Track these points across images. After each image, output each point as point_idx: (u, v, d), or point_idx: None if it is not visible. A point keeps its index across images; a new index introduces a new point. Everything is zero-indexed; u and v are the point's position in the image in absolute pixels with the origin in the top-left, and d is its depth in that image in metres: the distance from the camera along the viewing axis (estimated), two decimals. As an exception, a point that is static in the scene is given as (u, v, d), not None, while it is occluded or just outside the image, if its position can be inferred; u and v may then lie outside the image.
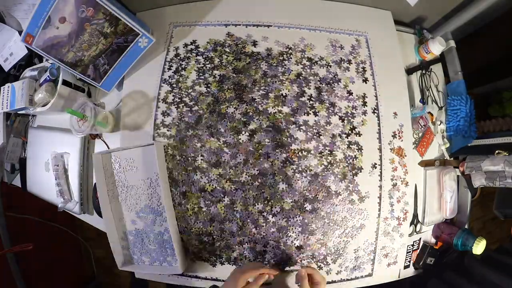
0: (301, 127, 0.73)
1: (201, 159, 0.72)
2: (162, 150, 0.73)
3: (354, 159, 0.73)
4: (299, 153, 0.72)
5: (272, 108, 0.73)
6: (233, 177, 0.71)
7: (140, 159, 0.74)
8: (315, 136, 0.73)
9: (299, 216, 0.71)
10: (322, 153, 0.72)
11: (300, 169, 0.71)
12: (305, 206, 0.71)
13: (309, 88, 0.75)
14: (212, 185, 0.72)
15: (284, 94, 0.74)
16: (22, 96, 0.81)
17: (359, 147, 0.74)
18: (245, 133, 0.72)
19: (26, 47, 0.90)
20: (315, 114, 0.74)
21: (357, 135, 0.74)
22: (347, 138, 0.74)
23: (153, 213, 0.74)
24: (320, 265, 0.74)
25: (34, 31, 0.68)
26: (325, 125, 0.73)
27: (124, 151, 0.75)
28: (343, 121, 0.74)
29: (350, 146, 0.73)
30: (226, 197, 0.71)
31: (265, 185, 0.71)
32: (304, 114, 0.73)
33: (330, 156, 0.72)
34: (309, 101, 0.74)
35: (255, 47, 0.77)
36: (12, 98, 0.83)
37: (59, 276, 1.63)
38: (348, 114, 0.75)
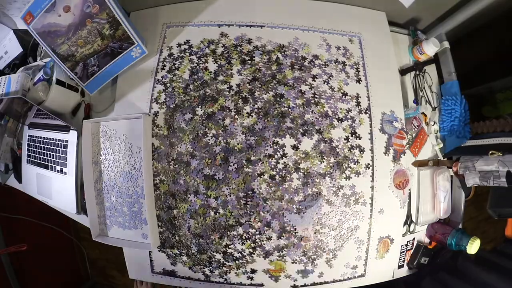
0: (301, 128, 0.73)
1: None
2: (150, 124, 0.74)
3: (356, 163, 0.73)
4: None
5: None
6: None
7: (127, 131, 0.75)
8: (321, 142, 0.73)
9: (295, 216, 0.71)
10: (323, 156, 0.72)
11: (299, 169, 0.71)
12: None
13: (306, 85, 0.75)
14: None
15: (281, 94, 0.74)
16: (17, 88, 0.81)
17: (361, 149, 0.74)
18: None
19: (18, 39, 0.90)
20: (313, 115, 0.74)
21: (358, 138, 0.74)
22: (348, 142, 0.74)
23: (130, 181, 0.75)
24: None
25: (36, 12, 0.67)
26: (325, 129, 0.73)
27: (112, 122, 0.76)
28: (341, 121, 0.74)
29: (352, 149, 0.73)
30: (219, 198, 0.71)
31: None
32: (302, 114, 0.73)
33: (332, 159, 0.72)
34: (304, 103, 0.74)
35: (249, 45, 0.77)
36: (7, 90, 0.82)
37: (53, 277, 1.62)
38: (348, 116, 0.75)
